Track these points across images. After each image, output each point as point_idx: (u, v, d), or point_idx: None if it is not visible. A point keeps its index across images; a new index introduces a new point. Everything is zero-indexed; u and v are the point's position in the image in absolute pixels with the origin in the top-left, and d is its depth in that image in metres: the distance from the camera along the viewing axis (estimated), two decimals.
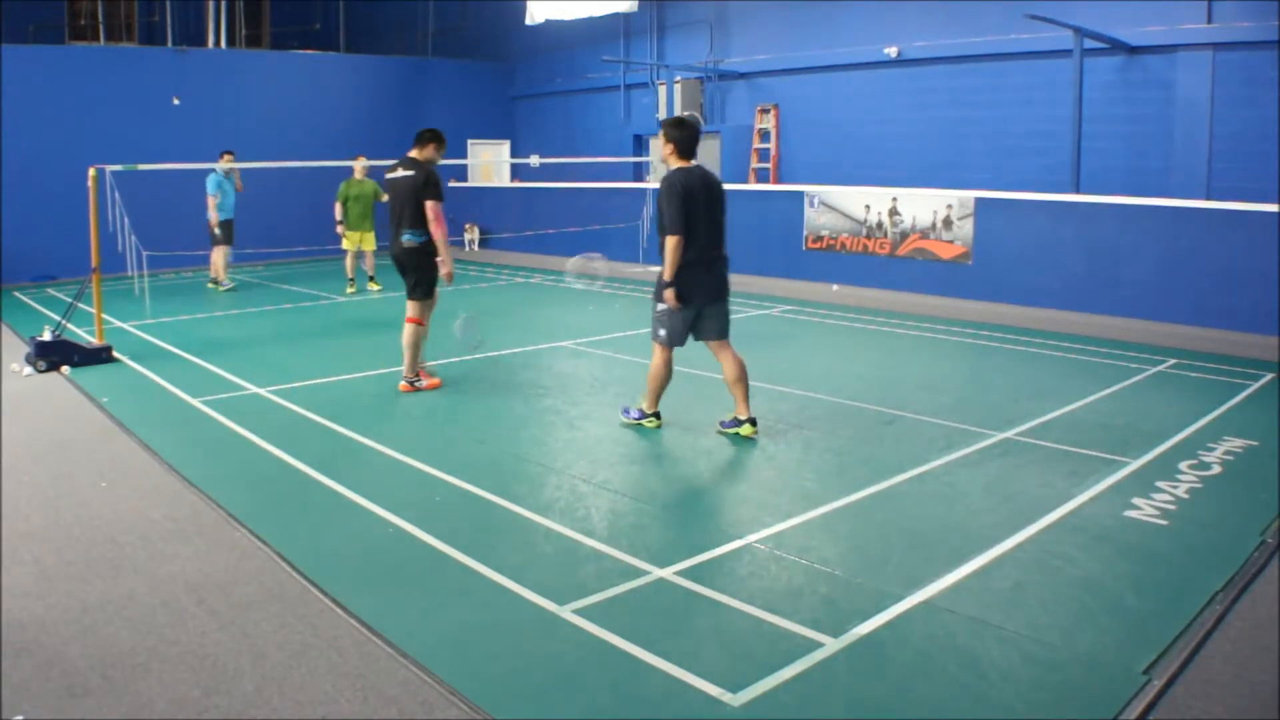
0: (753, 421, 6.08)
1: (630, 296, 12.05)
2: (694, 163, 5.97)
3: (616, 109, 18.44)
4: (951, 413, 6.59)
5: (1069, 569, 4.09)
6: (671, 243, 5.78)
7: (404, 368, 7.28)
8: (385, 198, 12.68)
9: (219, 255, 13.17)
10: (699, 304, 5.96)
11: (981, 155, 13.32)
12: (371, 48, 21.22)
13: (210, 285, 13.42)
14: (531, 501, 4.92)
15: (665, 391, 6.21)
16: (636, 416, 6.30)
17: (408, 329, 7.21)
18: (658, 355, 6.10)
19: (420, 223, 7.01)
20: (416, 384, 7.32)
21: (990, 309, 11.21)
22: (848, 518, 4.73)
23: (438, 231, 7.00)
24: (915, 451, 5.71)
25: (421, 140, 7.17)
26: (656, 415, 6.25)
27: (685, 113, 16.83)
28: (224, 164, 12.39)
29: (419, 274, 7.17)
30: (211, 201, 12.80)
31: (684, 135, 5.91)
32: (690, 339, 6.11)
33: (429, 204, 6.97)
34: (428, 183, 7.00)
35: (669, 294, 5.87)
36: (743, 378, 6.02)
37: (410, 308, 7.23)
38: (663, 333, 6.02)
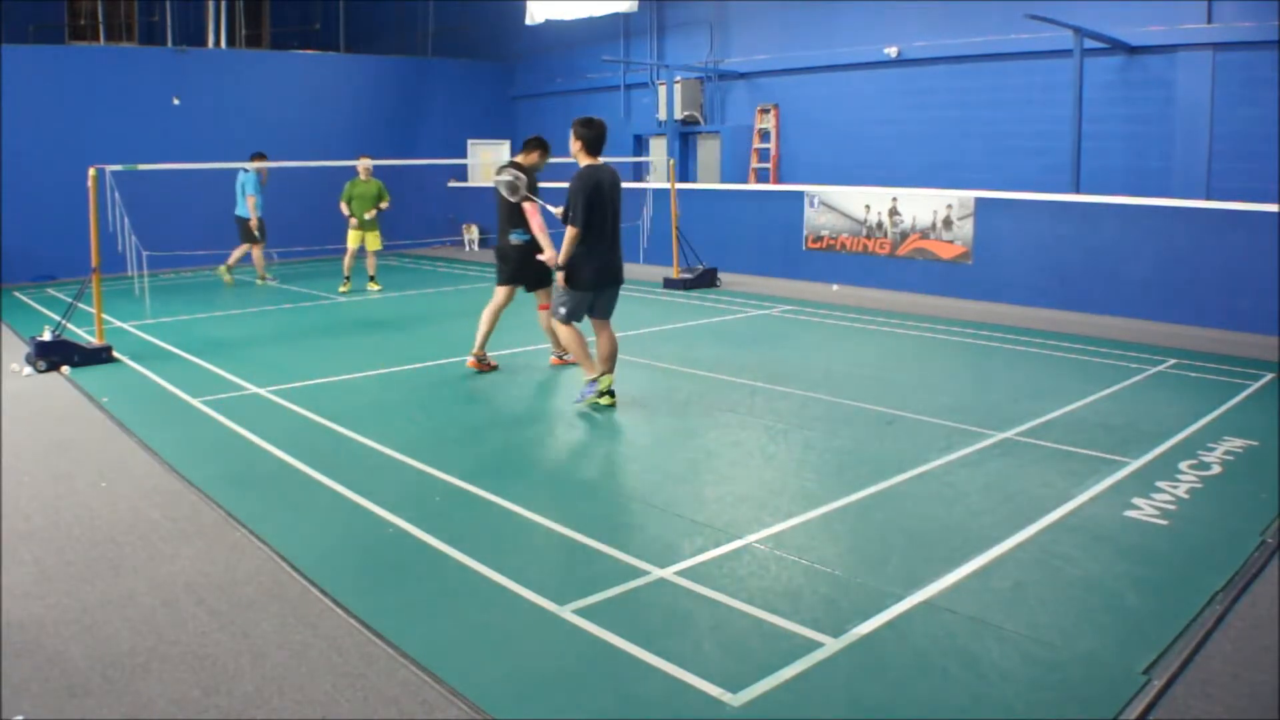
0: (611, 393, 6.66)
1: (628, 296, 12.01)
2: (601, 160, 6.47)
3: (616, 109, 18.42)
4: (951, 413, 6.59)
5: (1069, 569, 4.09)
6: (571, 234, 6.35)
7: (563, 349, 7.73)
8: (385, 204, 12.85)
9: (259, 252, 13.77)
10: (600, 286, 6.56)
11: (981, 155, 13.31)
12: (371, 48, 21.21)
13: (259, 282, 13.92)
14: (531, 501, 4.92)
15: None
16: (588, 392, 6.57)
17: (543, 315, 7.93)
18: (562, 328, 6.62)
19: (523, 221, 7.54)
20: (482, 362, 7.96)
21: (990, 309, 11.21)
22: (848, 518, 4.74)
23: (533, 225, 7.50)
24: (915, 451, 5.71)
25: (528, 147, 7.81)
26: (611, 393, 6.54)
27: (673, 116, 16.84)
28: (255, 165, 12.47)
29: (530, 268, 7.67)
30: (251, 201, 13.20)
31: (592, 134, 6.43)
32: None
33: (524, 204, 7.50)
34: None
35: (559, 277, 6.52)
36: (613, 355, 6.71)
37: (541, 295, 7.91)
38: (563, 310, 6.62)
